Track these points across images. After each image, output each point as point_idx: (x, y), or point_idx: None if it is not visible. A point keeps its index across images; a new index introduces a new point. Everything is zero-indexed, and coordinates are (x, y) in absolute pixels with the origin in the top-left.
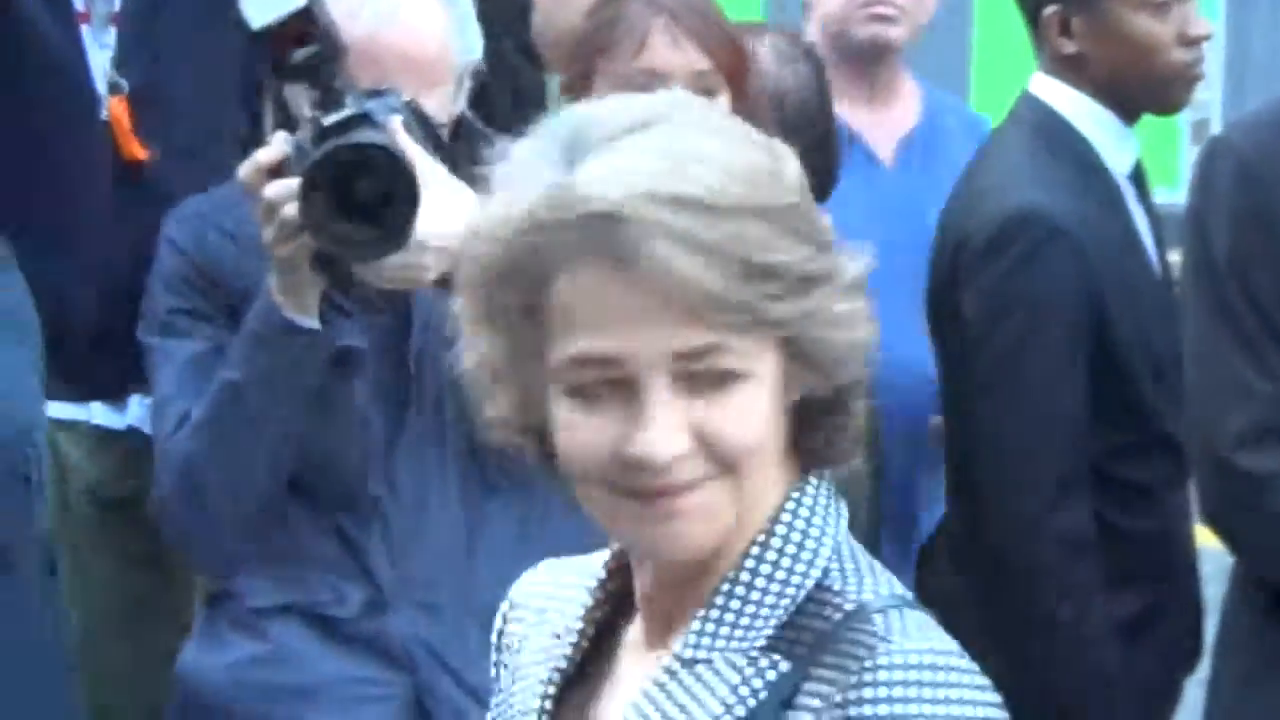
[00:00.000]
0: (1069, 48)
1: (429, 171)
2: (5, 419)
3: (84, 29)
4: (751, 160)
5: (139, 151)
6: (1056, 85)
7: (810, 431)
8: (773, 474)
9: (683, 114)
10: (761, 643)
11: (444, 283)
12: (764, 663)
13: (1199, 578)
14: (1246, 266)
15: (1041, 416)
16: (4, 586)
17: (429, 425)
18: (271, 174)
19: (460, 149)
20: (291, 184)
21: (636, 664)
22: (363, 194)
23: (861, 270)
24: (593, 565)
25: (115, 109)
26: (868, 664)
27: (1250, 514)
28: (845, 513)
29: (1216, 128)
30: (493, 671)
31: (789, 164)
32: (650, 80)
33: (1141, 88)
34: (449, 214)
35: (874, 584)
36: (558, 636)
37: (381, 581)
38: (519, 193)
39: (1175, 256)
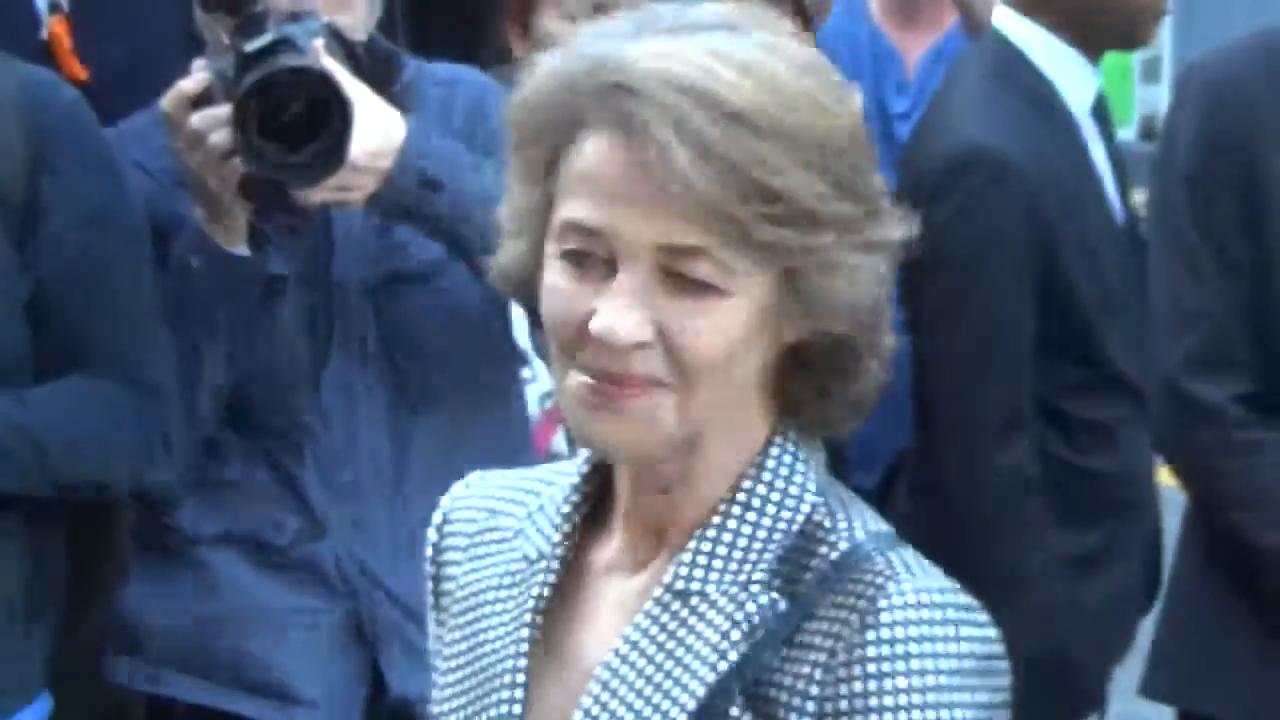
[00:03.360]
0: None
1: (355, 92)
2: None
3: None
4: (803, 87)
5: (79, 71)
6: (1019, 20)
7: (803, 376)
8: (756, 410)
9: (761, 29)
10: (758, 576)
11: (373, 202)
12: (763, 599)
13: (1158, 515)
14: (1208, 189)
15: (986, 355)
16: None
17: (353, 349)
18: (195, 104)
19: (373, 67)
20: (218, 112)
21: (614, 589)
22: (294, 117)
23: (897, 236)
24: (539, 477)
25: (55, 28)
26: (881, 604)
27: (1191, 441)
28: (823, 451)
29: (1167, 66)
30: (429, 585)
31: (847, 105)
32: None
33: (1113, 22)
34: (376, 133)
35: (861, 522)
36: (529, 560)
37: (315, 507)
38: (573, 52)
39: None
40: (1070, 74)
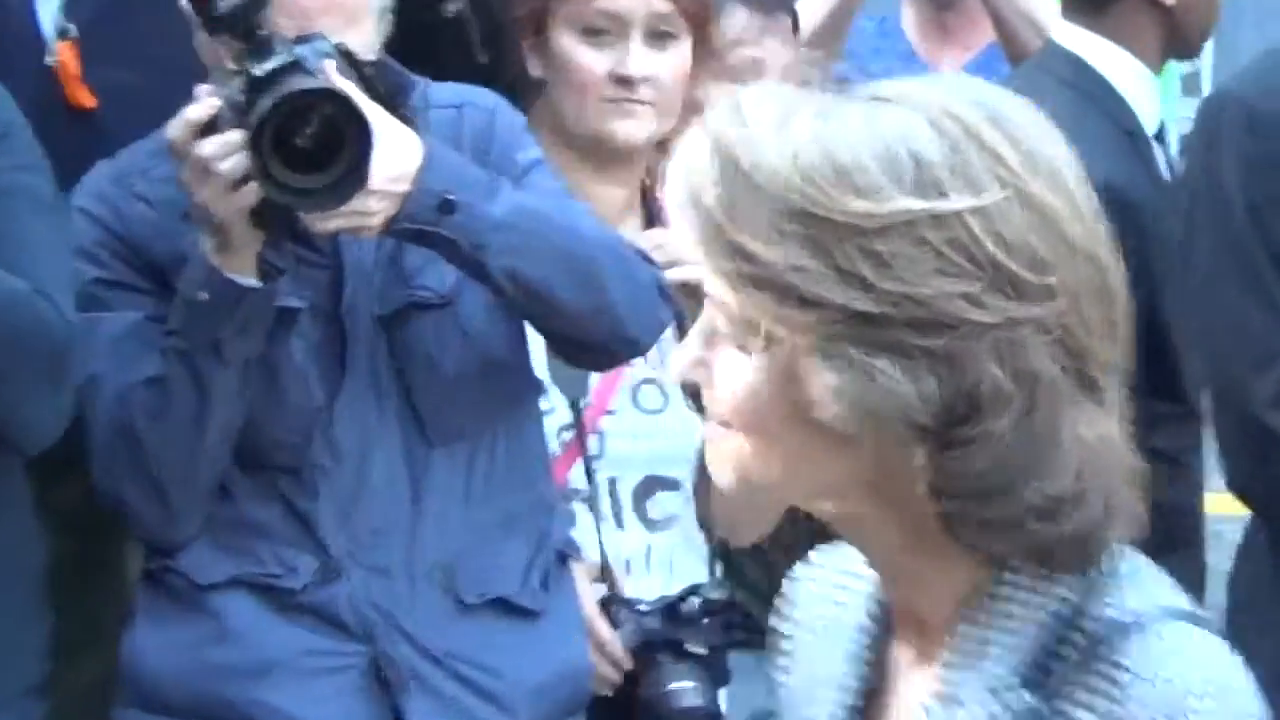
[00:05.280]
0: None
1: (371, 113)
2: None
3: None
4: (840, 164)
5: (86, 98)
6: (1084, 35)
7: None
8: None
9: (903, 103)
10: (1005, 673)
11: (389, 227)
12: (1010, 697)
13: (1205, 548)
14: (1264, 214)
15: None
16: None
17: (366, 382)
18: (203, 131)
19: (384, 88)
20: (229, 138)
21: (907, 686)
22: (311, 141)
23: (955, 349)
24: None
25: (63, 54)
26: (1116, 703)
27: (1271, 476)
28: None
29: (1207, 80)
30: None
31: (908, 200)
32: (608, 23)
33: (1200, 32)
34: (394, 156)
35: (1120, 596)
36: (847, 658)
37: (331, 548)
38: None
39: None
40: (1143, 92)
